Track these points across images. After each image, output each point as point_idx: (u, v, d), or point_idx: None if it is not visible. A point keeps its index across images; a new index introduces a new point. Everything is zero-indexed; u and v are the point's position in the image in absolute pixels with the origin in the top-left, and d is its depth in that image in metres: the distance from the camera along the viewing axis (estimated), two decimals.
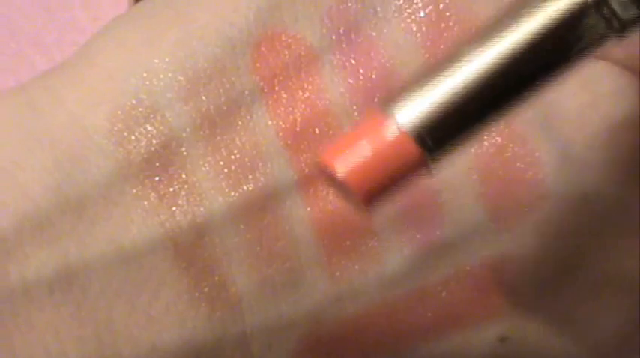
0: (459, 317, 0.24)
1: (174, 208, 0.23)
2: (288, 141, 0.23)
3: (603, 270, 0.24)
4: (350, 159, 0.19)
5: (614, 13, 0.19)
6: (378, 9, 0.24)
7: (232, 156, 0.23)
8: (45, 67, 0.25)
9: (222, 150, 0.23)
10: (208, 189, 0.23)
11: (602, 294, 0.24)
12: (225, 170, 0.23)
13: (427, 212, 0.23)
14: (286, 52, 0.23)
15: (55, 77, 0.24)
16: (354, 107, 0.23)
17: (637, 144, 0.24)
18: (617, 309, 0.24)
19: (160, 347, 0.22)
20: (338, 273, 0.23)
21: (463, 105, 0.19)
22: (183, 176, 0.23)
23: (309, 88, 0.23)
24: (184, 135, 0.23)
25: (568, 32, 0.19)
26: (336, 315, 0.23)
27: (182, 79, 0.23)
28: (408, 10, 0.23)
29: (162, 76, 0.23)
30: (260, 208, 0.23)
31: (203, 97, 0.23)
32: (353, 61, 0.23)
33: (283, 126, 0.23)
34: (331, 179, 0.19)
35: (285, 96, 0.23)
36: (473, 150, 0.23)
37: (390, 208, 0.23)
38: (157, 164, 0.23)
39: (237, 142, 0.23)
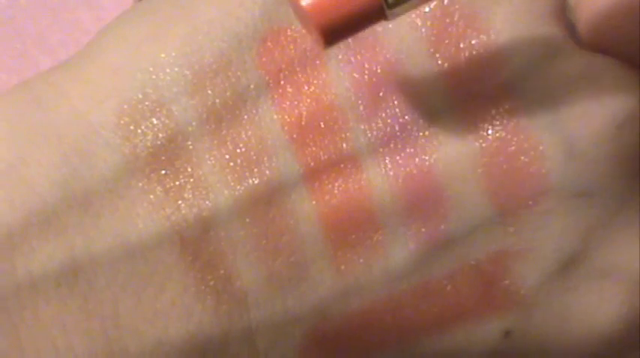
0: (464, 311, 0.24)
1: (180, 202, 0.23)
2: (294, 135, 0.23)
3: (607, 263, 0.24)
4: None
5: None
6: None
7: (238, 150, 0.23)
8: (50, 67, 0.25)
9: (228, 144, 0.23)
10: (214, 182, 0.23)
11: (606, 287, 0.24)
12: (231, 164, 0.23)
13: (432, 206, 0.23)
14: (292, 47, 0.24)
15: (60, 73, 0.24)
16: (360, 101, 0.23)
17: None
18: (620, 301, 0.24)
19: (165, 341, 0.22)
20: (343, 267, 0.23)
21: None
22: (189, 170, 0.23)
23: (315, 82, 0.23)
24: (190, 129, 0.23)
25: None
26: (342, 310, 0.23)
27: (188, 73, 0.23)
28: None
29: (168, 71, 0.23)
30: (266, 202, 0.23)
31: (209, 91, 0.23)
32: (358, 56, 0.23)
33: (289, 120, 0.23)
34: (296, 10, 0.21)
35: (290, 90, 0.23)
36: (477, 144, 0.23)
37: (394, 202, 0.23)
38: (163, 158, 0.23)
39: (243, 136, 0.23)
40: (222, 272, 0.23)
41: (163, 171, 0.23)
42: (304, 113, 0.23)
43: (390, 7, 0.21)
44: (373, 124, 0.23)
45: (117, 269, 0.22)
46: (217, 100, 0.23)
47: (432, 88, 0.23)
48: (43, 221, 0.22)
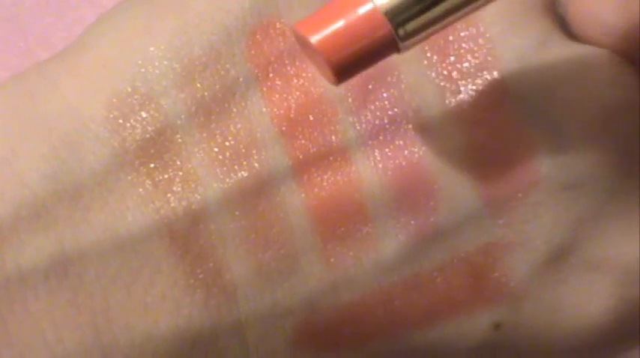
0: (454, 303, 0.23)
1: (169, 195, 0.23)
2: (283, 128, 0.23)
3: (597, 255, 0.24)
4: (324, 29, 0.20)
5: None
6: None
7: (227, 143, 0.23)
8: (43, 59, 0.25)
9: (217, 137, 0.23)
10: (203, 175, 0.23)
11: (596, 279, 0.24)
12: (220, 157, 0.23)
13: (422, 199, 0.23)
14: (281, 40, 0.24)
15: (53, 65, 0.24)
16: (349, 94, 0.23)
17: (631, 131, 0.24)
18: (610, 293, 0.24)
19: (155, 335, 0.22)
20: (333, 260, 0.23)
21: None
22: (178, 163, 0.23)
23: (304, 75, 0.23)
24: (179, 122, 0.23)
25: None
26: (332, 303, 0.23)
27: (177, 66, 0.23)
28: None
29: (157, 64, 0.23)
30: (255, 195, 0.23)
31: (198, 85, 0.23)
32: None
33: (278, 113, 0.23)
34: (305, 46, 0.20)
35: (279, 83, 0.23)
36: (466, 136, 0.23)
37: (384, 195, 0.23)
38: (152, 151, 0.23)
39: (232, 129, 0.23)
40: (211, 265, 0.23)
41: (152, 165, 0.23)
42: (293, 106, 0.23)
43: (403, 39, 0.20)
44: (362, 117, 0.23)
45: (106, 263, 0.22)
46: (206, 93, 0.23)
47: (420, 81, 0.23)
48: (32, 214, 0.22)
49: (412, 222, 0.23)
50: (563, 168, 0.23)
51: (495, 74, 0.23)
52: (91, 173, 0.23)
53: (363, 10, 0.20)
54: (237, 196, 0.23)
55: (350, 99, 0.23)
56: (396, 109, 0.23)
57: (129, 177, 0.23)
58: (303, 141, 0.23)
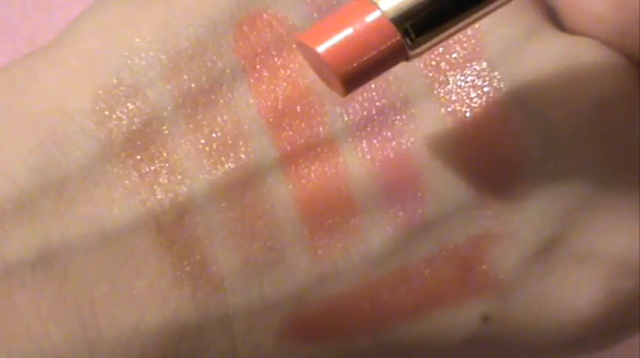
0: (442, 296, 0.23)
1: (155, 187, 0.23)
2: (270, 120, 0.23)
3: (585, 247, 0.24)
4: (330, 38, 0.19)
5: None
6: None
7: (214, 135, 0.23)
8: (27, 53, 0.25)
9: (204, 128, 0.23)
10: (190, 167, 0.23)
11: (584, 271, 0.24)
12: (207, 148, 0.23)
13: (410, 190, 0.23)
14: (268, 31, 0.23)
15: (37, 58, 0.24)
16: None
17: (621, 122, 0.24)
18: (599, 286, 0.24)
19: (142, 328, 0.22)
20: (320, 252, 0.23)
21: None
22: (165, 154, 0.23)
23: (291, 66, 0.23)
24: (166, 113, 0.23)
25: None
26: (319, 295, 0.23)
27: (164, 57, 0.23)
28: None
29: (143, 55, 0.23)
30: (242, 186, 0.23)
31: (185, 76, 0.23)
32: None
33: (265, 104, 0.23)
34: (310, 57, 0.20)
35: (266, 74, 0.23)
36: (455, 127, 0.23)
37: (371, 186, 0.23)
38: (139, 143, 0.23)
39: (219, 121, 0.23)
40: (198, 257, 0.22)
41: (139, 156, 0.23)
42: (280, 97, 0.23)
43: (412, 48, 0.20)
44: (350, 108, 0.23)
45: (92, 255, 0.22)
46: (193, 85, 0.23)
47: (408, 72, 0.23)
48: (17, 207, 0.22)
49: (400, 214, 0.23)
50: (552, 159, 0.23)
51: (484, 64, 0.23)
52: (76, 165, 0.22)
53: (370, 18, 0.19)
54: (224, 188, 0.23)
55: None
56: (383, 100, 0.23)
57: (115, 169, 0.23)
58: (290, 133, 0.23)
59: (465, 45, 0.23)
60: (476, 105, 0.23)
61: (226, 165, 0.23)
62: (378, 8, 0.19)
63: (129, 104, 0.23)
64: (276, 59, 0.23)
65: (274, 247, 0.23)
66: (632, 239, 0.24)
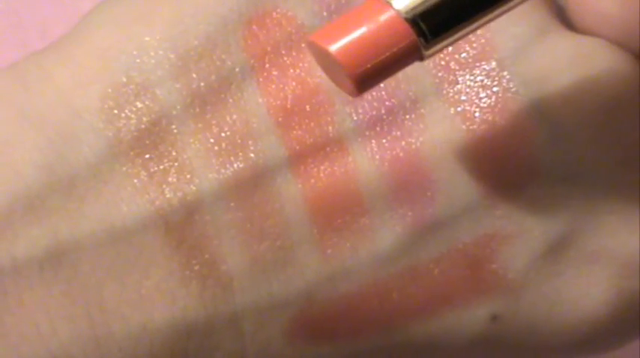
0: (451, 295, 0.23)
1: (164, 186, 0.22)
2: (279, 119, 0.23)
3: (595, 247, 0.24)
4: (343, 38, 0.19)
5: None
6: None
7: (223, 134, 0.23)
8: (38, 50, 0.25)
9: (213, 127, 0.23)
10: (199, 166, 0.23)
11: (594, 271, 0.24)
12: (216, 148, 0.23)
13: (419, 190, 0.23)
14: (277, 30, 0.23)
15: (47, 56, 0.24)
16: None
17: (630, 123, 0.24)
18: (608, 286, 0.24)
19: (150, 326, 0.22)
20: (329, 251, 0.23)
21: None
22: (174, 153, 0.23)
23: (300, 65, 0.23)
24: (175, 112, 0.23)
25: None
26: (328, 294, 0.23)
27: (173, 56, 0.23)
28: None
29: (153, 54, 0.23)
30: (251, 186, 0.23)
31: (194, 75, 0.23)
32: None
33: (274, 103, 0.23)
34: (321, 56, 0.19)
35: (276, 73, 0.23)
36: (464, 127, 0.23)
37: (381, 186, 0.23)
38: (147, 142, 0.23)
39: (228, 120, 0.23)
40: (207, 256, 0.22)
41: (147, 155, 0.23)
42: (290, 96, 0.23)
43: (427, 48, 0.19)
44: (359, 107, 0.23)
45: (101, 254, 0.22)
46: (202, 84, 0.23)
47: (417, 71, 0.23)
48: (27, 205, 0.22)
49: (409, 213, 0.23)
50: (561, 160, 0.23)
51: (493, 64, 0.23)
52: (85, 164, 0.22)
53: (384, 17, 0.19)
54: (233, 187, 0.23)
55: None
56: (393, 100, 0.23)
57: (124, 168, 0.23)
58: (299, 132, 0.23)
59: (474, 44, 0.23)
60: (485, 105, 0.23)
61: (235, 165, 0.23)
62: (392, 8, 0.19)
63: (138, 103, 0.23)
64: (285, 58, 0.23)
65: (283, 246, 0.23)
66: None
